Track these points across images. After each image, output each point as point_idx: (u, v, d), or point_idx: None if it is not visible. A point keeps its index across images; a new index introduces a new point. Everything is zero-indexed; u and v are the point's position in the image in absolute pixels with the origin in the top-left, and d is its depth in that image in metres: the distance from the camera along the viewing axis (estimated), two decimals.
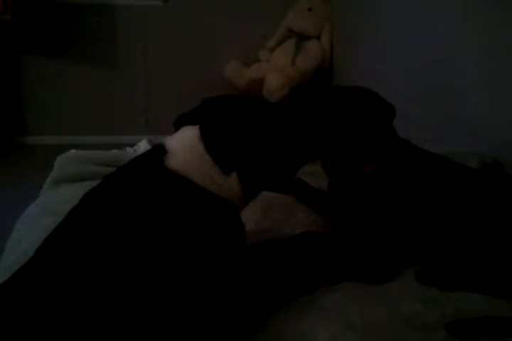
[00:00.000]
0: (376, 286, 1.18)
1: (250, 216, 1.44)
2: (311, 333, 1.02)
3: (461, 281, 1.20)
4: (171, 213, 0.96)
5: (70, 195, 1.35)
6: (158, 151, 1.04)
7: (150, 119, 3.79)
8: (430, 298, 1.15)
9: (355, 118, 1.32)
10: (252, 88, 3.49)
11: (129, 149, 1.73)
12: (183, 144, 1.04)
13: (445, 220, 1.27)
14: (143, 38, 3.73)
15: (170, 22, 3.72)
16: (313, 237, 1.32)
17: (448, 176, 1.34)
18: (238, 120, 1.07)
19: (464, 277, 1.22)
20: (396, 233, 1.28)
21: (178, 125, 1.12)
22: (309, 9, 3.66)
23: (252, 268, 1.18)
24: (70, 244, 0.93)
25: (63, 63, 3.69)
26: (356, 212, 1.34)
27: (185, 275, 0.93)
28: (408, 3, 2.54)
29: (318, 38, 3.64)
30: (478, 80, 1.98)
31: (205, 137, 1.04)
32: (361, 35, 3.18)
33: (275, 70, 3.42)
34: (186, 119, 1.12)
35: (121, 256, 0.90)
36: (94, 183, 1.05)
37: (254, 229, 1.39)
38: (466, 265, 1.24)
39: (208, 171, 1.02)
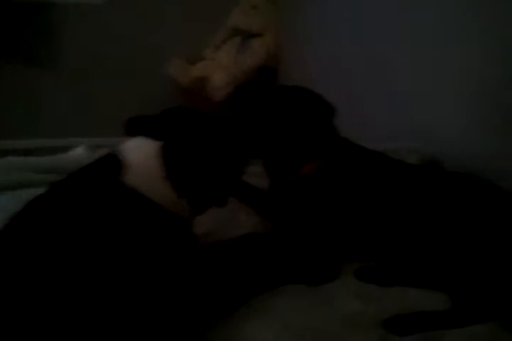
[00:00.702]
0: (317, 287, 1.19)
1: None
2: (254, 338, 1.02)
3: (399, 277, 1.23)
4: (125, 231, 0.94)
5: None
6: (114, 164, 1.01)
7: (92, 121, 3.70)
8: (368, 294, 1.17)
9: (295, 118, 1.33)
10: (196, 86, 3.46)
11: (65, 153, 1.68)
12: (143, 163, 1.02)
13: (384, 216, 1.30)
14: (84, 37, 3.64)
15: (110, 20, 3.64)
16: (254, 239, 1.33)
17: (387, 173, 1.36)
18: (197, 145, 1.07)
19: (402, 272, 1.24)
20: (336, 231, 1.30)
21: (129, 129, 1.10)
22: (254, 7, 3.66)
23: (195, 273, 1.18)
24: (9, 253, 0.90)
25: (2, 65, 3.56)
26: (297, 212, 1.35)
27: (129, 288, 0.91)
28: (352, 4, 2.57)
29: (263, 36, 3.64)
30: (418, 78, 2.02)
31: (167, 162, 1.03)
32: (306, 34, 3.20)
33: (219, 69, 3.41)
34: (139, 124, 1.09)
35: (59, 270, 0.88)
36: (31, 191, 1.02)
37: (196, 232, 1.39)
38: (404, 260, 1.27)
39: (165, 194, 1.02)
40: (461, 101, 1.77)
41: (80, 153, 1.67)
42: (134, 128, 1.09)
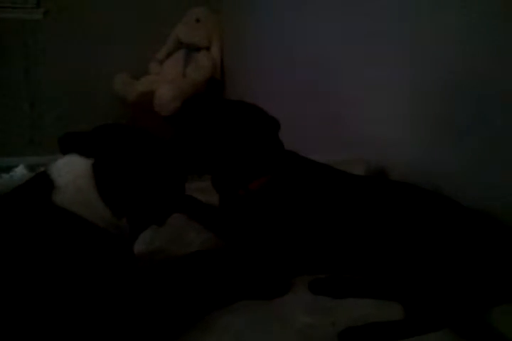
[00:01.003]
0: (269, 302, 1.18)
1: (141, 236, 1.41)
2: None
3: (352, 288, 1.23)
4: (52, 253, 0.91)
5: None
6: (45, 184, 0.98)
7: (35, 138, 3.60)
8: (322, 307, 1.16)
9: (239, 133, 1.32)
10: (142, 101, 3.43)
11: (4, 176, 1.62)
12: (74, 182, 0.99)
13: (332, 229, 1.30)
14: (24, 52, 3.55)
15: (51, 35, 3.57)
16: (204, 256, 1.31)
17: (333, 185, 1.37)
18: (129, 163, 1.04)
19: (355, 284, 1.25)
20: (286, 245, 1.30)
21: (62, 146, 1.07)
22: (197, 20, 3.66)
23: (142, 293, 1.15)
24: None
25: None
26: (246, 228, 1.34)
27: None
28: (294, 15, 2.60)
29: (208, 49, 3.64)
30: (363, 88, 2.05)
31: (98, 180, 1.00)
32: (249, 46, 3.22)
33: (166, 82, 3.38)
34: (71, 142, 1.06)
35: None
36: None
37: (144, 250, 1.36)
38: (356, 271, 1.27)
39: (99, 214, 0.99)
40: (405, 114, 1.80)
41: (23, 174, 1.62)
42: (67, 145, 1.06)
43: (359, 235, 1.29)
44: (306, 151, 1.46)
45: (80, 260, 0.93)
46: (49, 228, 0.94)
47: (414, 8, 1.72)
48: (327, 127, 2.22)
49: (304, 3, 2.50)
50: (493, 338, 1.07)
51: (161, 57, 3.67)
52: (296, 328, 1.08)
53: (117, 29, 3.66)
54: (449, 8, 1.57)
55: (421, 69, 1.71)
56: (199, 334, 1.06)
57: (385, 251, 1.23)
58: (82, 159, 1.02)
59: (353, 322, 1.10)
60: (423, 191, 1.38)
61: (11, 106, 3.57)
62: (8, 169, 1.74)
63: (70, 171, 1.01)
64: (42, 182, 0.99)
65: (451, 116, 1.58)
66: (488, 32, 1.43)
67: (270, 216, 1.33)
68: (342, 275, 1.26)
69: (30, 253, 0.90)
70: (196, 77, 3.48)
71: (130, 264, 1.05)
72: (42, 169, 1.04)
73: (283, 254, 1.29)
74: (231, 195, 1.39)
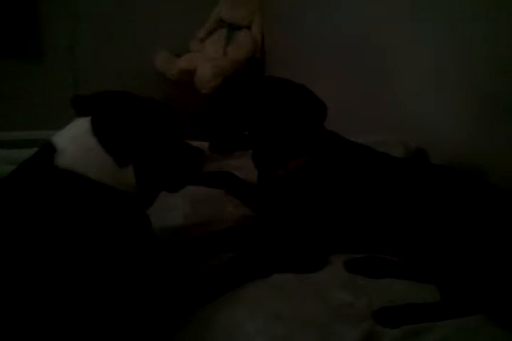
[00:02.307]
0: (305, 277, 1.18)
1: (180, 211, 1.44)
2: (240, 327, 1.02)
3: (388, 269, 1.23)
4: (63, 215, 0.93)
5: None
6: (47, 150, 1.00)
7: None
8: (358, 286, 1.16)
9: (286, 113, 1.32)
10: (183, 78, 3.44)
11: None
12: (73, 139, 1.01)
13: (371, 209, 1.30)
14: (70, 28, 3.60)
15: (97, 12, 3.60)
16: (243, 231, 1.32)
17: (372, 167, 1.36)
18: (132, 116, 1.06)
19: (391, 264, 1.24)
20: (324, 222, 1.30)
21: (74, 105, 1.09)
22: None
23: (182, 263, 1.17)
24: None
25: None
26: (285, 205, 1.34)
27: (93, 277, 0.91)
28: None
29: (249, 28, 3.62)
30: (403, 70, 2.03)
31: (97, 130, 1.01)
32: (291, 25, 3.19)
33: (206, 60, 3.38)
34: (83, 103, 1.09)
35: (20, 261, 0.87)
36: None
37: (184, 224, 1.39)
38: (393, 252, 1.27)
39: (103, 165, 1.00)
40: (449, 94, 1.77)
41: None
42: (80, 106, 1.09)
43: (396, 216, 1.28)
44: (347, 131, 1.45)
45: (85, 224, 0.94)
46: (50, 194, 0.95)
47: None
48: (368, 107, 2.20)
49: None
50: None
51: (202, 35, 3.66)
52: (331, 305, 1.08)
53: (160, 6, 3.67)
54: None
55: (466, 48, 1.67)
56: (233, 305, 1.07)
57: (423, 233, 1.23)
58: (81, 119, 1.04)
59: (388, 303, 1.10)
60: (463, 174, 1.36)
61: (56, 83, 3.63)
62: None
63: (69, 131, 1.03)
64: (45, 149, 1.01)
65: (497, 96, 1.54)
66: None
67: (308, 194, 1.33)
68: (378, 256, 1.26)
69: (28, 227, 0.91)
70: (237, 56, 3.47)
71: (139, 222, 1.05)
72: None
73: (320, 231, 1.29)
74: (270, 173, 1.39)
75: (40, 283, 0.86)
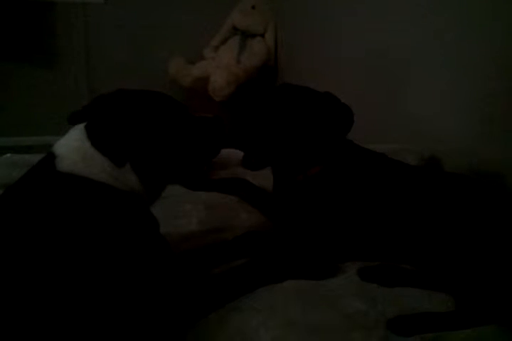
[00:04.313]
0: (319, 284, 1.18)
1: (193, 217, 1.44)
2: (254, 333, 1.01)
3: (402, 277, 1.22)
4: (66, 216, 0.94)
5: None
6: (49, 157, 1.03)
7: None
8: (372, 294, 1.16)
9: (311, 121, 1.32)
10: (197, 86, 3.45)
11: None
12: (70, 145, 1.03)
13: (385, 217, 1.30)
14: (84, 36, 3.64)
15: (111, 19, 3.64)
16: (256, 237, 1.32)
17: (388, 175, 1.36)
18: (125, 113, 1.07)
19: (405, 273, 1.24)
20: (339, 230, 1.30)
21: (71, 122, 1.10)
22: (253, 7, 3.65)
23: (194, 269, 1.17)
24: None
25: (2, 63, 3.55)
26: (301, 211, 1.34)
27: (100, 279, 0.90)
28: (351, 1, 2.57)
29: (262, 35, 3.64)
30: (420, 79, 2.03)
31: (90, 134, 1.03)
32: (305, 33, 3.20)
33: (220, 68, 3.40)
34: (79, 117, 1.10)
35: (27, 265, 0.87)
36: None
37: (197, 229, 1.39)
38: (408, 261, 1.27)
39: (101, 166, 1.01)
40: (463, 103, 1.77)
41: None
42: (75, 120, 1.10)
43: (412, 225, 1.28)
44: (362, 139, 1.46)
45: (98, 221, 0.95)
46: (55, 196, 0.96)
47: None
48: (383, 116, 2.20)
49: None
50: None
51: (216, 43, 3.68)
52: (344, 313, 1.08)
53: (173, 14, 3.70)
54: None
55: (480, 59, 1.68)
56: (247, 312, 1.06)
57: (437, 241, 1.22)
58: (78, 126, 1.06)
59: (402, 312, 1.09)
60: (477, 183, 1.35)
61: (70, 89, 3.67)
62: None
63: (65, 138, 1.06)
64: (47, 156, 1.03)
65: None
66: None
67: (324, 201, 1.33)
68: (392, 264, 1.26)
69: (35, 230, 0.92)
70: (250, 64, 3.48)
71: (145, 222, 1.05)
72: None
73: (334, 238, 1.29)
74: (289, 179, 1.39)
75: (45, 286, 0.86)
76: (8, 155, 1.63)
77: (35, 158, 1.54)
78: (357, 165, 1.37)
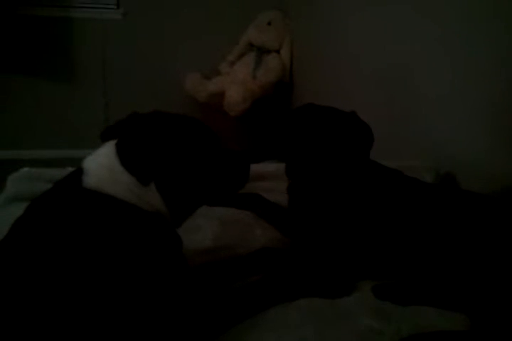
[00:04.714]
0: (333, 302, 1.17)
1: (207, 232, 1.44)
2: None
3: (417, 296, 1.22)
4: (92, 233, 0.95)
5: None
6: (77, 172, 1.04)
7: None
8: (386, 313, 1.15)
9: (340, 142, 1.34)
10: (212, 101, 3.48)
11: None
12: (98, 161, 1.04)
13: (402, 235, 1.29)
14: (102, 51, 3.69)
15: (129, 35, 3.69)
16: (270, 254, 1.32)
17: (403, 192, 1.36)
18: (155, 133, 1.07)
19: (420, 291, 1.23)
20: (354, 248, 1.29)
21: (104, 138, 1.12)
22: (269, 23, 3.69)
23: (207, 285, 1.17)
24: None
25: (19, 77, 3.61)
26: (317, 229, 1.34)
27: (120, 296, 0.91)
28: (367, 18, 2.58)
29: (278, 51, 3.66)
30: (434, 95, 2.03)
31: (120, 151, 1.04)
32: (320, 49, 3.22)
33: (236, 84, 3.43)
34: (112, 132, 1.11)
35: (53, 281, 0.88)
36: None
37: (212, 245, 1.39)
38: (422, 279, 1.26)
39: (127, 185, 1.02)
40: (479, 119, 1.77)
41: None
42: (108, 136, 1.11)
43: (428, 243, 1.27)
44: (377, 155, 1.46)
45: (120, 239, 0.95)
46: (81, 213, 0.97)
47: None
48: (398, 132, 2.20)
49: (370, 3, 2.50)
50: None
51: (232, 59, 3.72)
52: (359, 330, 1.07)
53: (191, 29, 3.74)
54: None
55: (492, 73, 1.68)
56: (260, 329, 1.06)
57: (454, 261, 1.21)
58: (109, 142, 1.08)
59: (417, 331, 1.09)
60: (494, 201, 1.35)
61: (87, 104, 3.71)
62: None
63: (95, 154, 1.07)
64: (76, 172, 1.04)
65: None
66: None
67: (340, 219, 1.33)
68: (407, 282, 1.25)
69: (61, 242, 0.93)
70: (266, 80, 3.51)
71: (168, 241, 1.06)
72: None
73: (349, 256, 1.29)
74: (308, 196, 1.39)
75: (65, 302, 0.87)
76: (26, 169, 1.65)
77: (52, 172, 1.57)
78: (373, 183, 1.37)
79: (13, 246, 0.95)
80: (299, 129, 1.36)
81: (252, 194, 1.59)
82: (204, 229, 1.45)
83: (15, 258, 0.92)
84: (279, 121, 1.40)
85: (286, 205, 1.47)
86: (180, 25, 3.74)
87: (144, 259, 0.97)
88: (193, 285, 1.07)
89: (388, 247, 1.30)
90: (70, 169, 1.57)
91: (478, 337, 1.08)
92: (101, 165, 1.03)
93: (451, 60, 1.89)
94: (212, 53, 3.79)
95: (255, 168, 1.36)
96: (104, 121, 3.74)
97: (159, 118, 1.12)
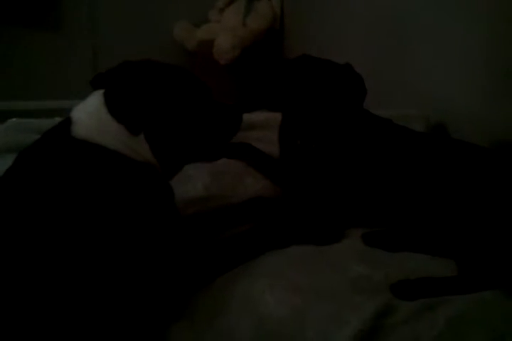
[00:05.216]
0: (323, 249, 1.19)
1: (199, 182, 1.44)
2: (259, 296, 1.03)
3: (406, 242, 1.23)
4: (82, 183, 0.94)
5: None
6: (65, 122, 1.02)
7: None
8: (376, 259, 1.17)
9: (334, 94, 1.32)
10: (202, 49, 3.41)
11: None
12: (87, 111, 1.03)
13: (391, 183, 1.30)
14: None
15: None
16: (261, 203, 1.33)
17: (394, 141, 1.36)
18: (145, 83, 1.05)
19: (409, 238, 1.25)
20: (344, 196, 1.30)
21: (94, 86, 1.10)
22: None
23: (198, 234, 1.18)
24: None
25: (4, 27, 3.51)
26: (306, 177, 1.35)
27: (113, 244, 0.92)
28: None
29: None
30: (427, 44, 2.00)
31: (108, 100, 1.03)
32: None
33: (226, 31, 3.34)
34: (102, 80, 1.09)
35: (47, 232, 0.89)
36: None
37: (203, 195, 1.39)
38: (411, 226, 1.27)
39: (116, 134, 1.01)
40: (474, 68, 1.75)
41: None
42: (98, 83, 1.09)
43: (417, 190, 1.28)
44: (368, 103, 1.44)
45: (111, 189, 0.95)
46: (70, 163, 0.97)
47: None
48: (390, 80, 2.18)
49: None
50: None
51: (221, 5, 3.61)
52: (348, 277, 1.09)
53: None
54: None
55: (487, 23, 1.64)
56: (252, 276, 1.08)
57: (441, 207, 1.22)
58: (97, 91, 1.06)
59: (406, 276, 1.10)
60: (484, 150, 1.35)
61: (75, 53, 3.63)
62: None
63: (84, 103, 1.05)
64: (64, 121, 1.03)
65: None
66: None
67: (331, 168, 1.34)
68: (396, 229, 1.27)
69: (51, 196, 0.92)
70: (257, 26, 3.42)
71: (158, 190, 1.05)
72: None
73: (339, 204, 1.30)
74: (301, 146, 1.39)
75: (58, 252, 0.88)
76: (14, 119, 1.63)
77: (40, 122, 1.55)
78: (364, 132, 1.37)
79: (2, 199, 0.94)
80: (294, 82, 1.34)
81: (243, 143, 1.58)
82: (195, 179, 1.45)
83: (5, 211, 0.92)
84: (271, 71, 1.38)
85: (276, 154, 1.46)
86: None
87: (136, 208, 0.97)
88: (185, 234, 1.07)
89: (378, 195, 1.31)
90: (58, 119, 1.55)
91: (466, 282, 1.10)
92: (89, 114, 1.02)
93: (452, 10, 1.85)
94: (201, 0, 3.68)
95: (245, 117, 1.34)
96: (92, 70, 3.66)
97: (150, 67, 1.10)
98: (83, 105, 1.05)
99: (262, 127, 1.50)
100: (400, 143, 1.36)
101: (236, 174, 1.49)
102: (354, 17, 2.56)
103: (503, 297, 1.06)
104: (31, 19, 3.54)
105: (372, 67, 2.28)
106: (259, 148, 1.56)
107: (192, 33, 3.47)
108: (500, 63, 1.61)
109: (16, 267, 0.86)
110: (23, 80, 3.64)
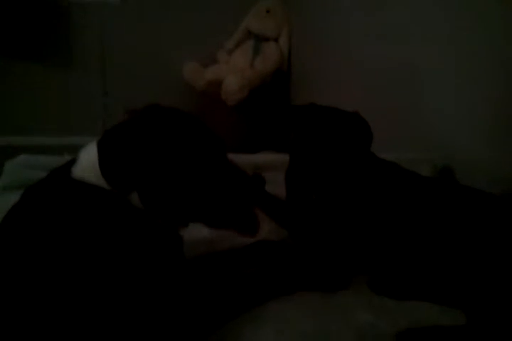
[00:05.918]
0: (330, 295, 1.18)
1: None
2: None
3: (413, 290, 1.22)
4: (81, 227, 0.93)
5: None
6: (71, 162, 1.02)
7: (107, 120, 3.71)
8: (383, 307, 1.16)
9: (343, 144, 1.34)
10: (210, 90, 3.46)
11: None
12: (88, 152, 1.01)
13: (398, 229, 1.29)
14: (100, 37, 3.65)
15: (126, 21, 3.65)
16: (267, 246, 1.32)
17: (400, 186, 1.36)
18: (143, 137, 0.98)
19: (417, 286, 1.23)
20: (351, 243, 1.29)
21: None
22: (267, 11, 3.66)
23: (203, 278, 1.16)
24: None
25: (16, 62, 3.57)
26: (313, 221, 1.34)
27: (116, 293, 0.90)
28: (366, 7, 2.56)
29: (276, 40, 3.64)
30: (432, 89, 2.02)
31: (100, 152, 0.99)
32: (319, 38, 3.19)
33: (233, 72, 3.40)
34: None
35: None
36: None
37: (208, 237, 1.38)
38: (419, 274, 1.26)
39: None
40: (479, 114, 1.76)
41: None
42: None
43: (425, 238, 1.26)
44: (375, 148, 1.45)
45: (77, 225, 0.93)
46: (63, 202, 0.96)
47: None
48: (396, 125, 2.19)
49: None
50: None
51: (230, 47, 3.68)
52: (356, 325, 1.08)
53: (188, 17, 3.70)
54: None
55: (493, 70, 1.67)
56: (259, 322, 1.07)
57: (451, 256, 1.21)
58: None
59: (412, 325, 1.09)
60: (492, 197, 1.34)
61: (86, 90, 3.68)
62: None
63: (91, 143, 1.04)
64: (70, 161, 1.03)
65: None
66: None
67: (339, 213, 1.33)
68: (403, 277, 1.25)
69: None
70: (264, 68, 3.48)
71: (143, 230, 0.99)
72: None
73: (347, 251, 1.29)
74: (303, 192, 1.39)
75: (48, 285, 0.87)
76: (23, 156, 1.64)
77: (48, 159, 1.56)
78: (370, 176, 1.37)
79: (6, 239, 0.94)
80: (302, 129, 1.35)
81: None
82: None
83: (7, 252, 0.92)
84: (280, 116, 1.39)
85: (283, 196, 1.46)
86: (179, 12, 3.68)
87: (142, 256, 0.96)
88: (191, 280, 1.06)
89: (385, 241, 1.30)
90: (66, 157, 1.56)
91: (474, 332, 1.09)
92: (89, 156, 1.01)
93: (458, 54, 1.87)
94: (210, 41, 3.75)
95: (252, 158, 1.35)
96: (101, 108, 3.71)
97: (152, 118, 1.03)
98: (90, 145, 1.04)
99: (269, 168, 1.49)
100: (406, 189, 1.35)
101: None
102: (362, 61, 2.59)
103: None
104: (43, 56, 3.61)
105: (379, 110, 2.31)
106: (267, 189, 1.56)
107: (200, 73, 3.52)
108: (509, 111, 1.62)
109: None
110: (33, 116, 3.69)
